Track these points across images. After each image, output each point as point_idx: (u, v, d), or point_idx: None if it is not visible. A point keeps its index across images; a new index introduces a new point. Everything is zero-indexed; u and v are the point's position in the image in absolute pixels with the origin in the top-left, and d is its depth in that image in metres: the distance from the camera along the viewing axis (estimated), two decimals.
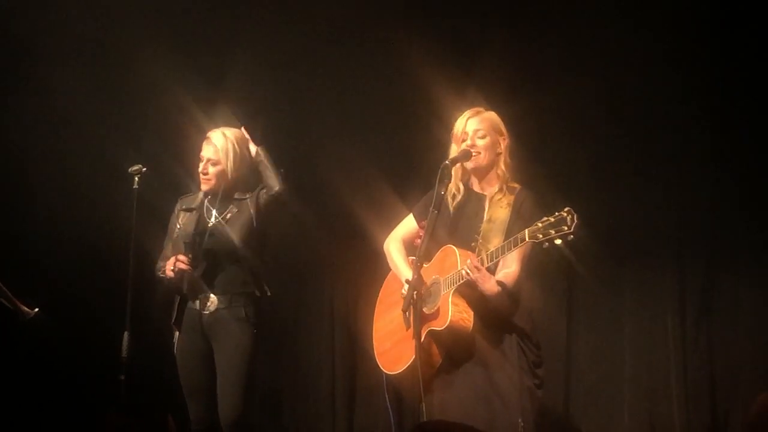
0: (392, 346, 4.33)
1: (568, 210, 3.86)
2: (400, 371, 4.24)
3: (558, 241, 3.86)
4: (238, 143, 4.80)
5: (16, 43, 5.75)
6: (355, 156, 5.91)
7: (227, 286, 4.73)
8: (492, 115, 4.34)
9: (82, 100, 5.79)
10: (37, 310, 4.63)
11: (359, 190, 5.77)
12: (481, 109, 4.37)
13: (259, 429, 5.09)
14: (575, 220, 3.83)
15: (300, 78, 5.98)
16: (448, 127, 4.41)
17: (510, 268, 4.14)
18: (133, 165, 4.84)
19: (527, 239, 3.93)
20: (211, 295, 4.74)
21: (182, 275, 4.66)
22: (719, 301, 5.38)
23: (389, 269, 4.54)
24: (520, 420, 4.05)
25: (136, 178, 4.81)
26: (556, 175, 5.43)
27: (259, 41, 5.95)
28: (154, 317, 4.93)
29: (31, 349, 5.46)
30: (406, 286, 4.17)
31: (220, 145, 4.77)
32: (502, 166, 4.29)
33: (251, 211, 4.75)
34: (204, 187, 4.82)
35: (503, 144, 4.30)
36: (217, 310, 4.72)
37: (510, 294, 4.13)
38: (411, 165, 5.77)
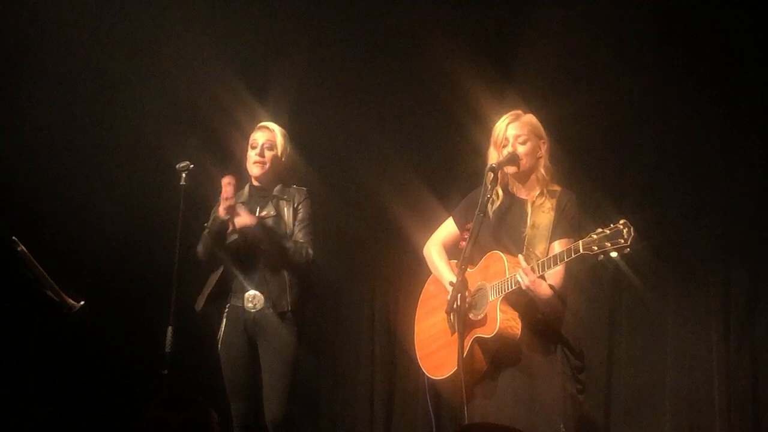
0: (436, 351, 4.31)
1: (625, 222, 3.81)
2: (444, 377, 4.22)
3: (614, 254, 3.81)
4: (285, 135, 4.94)
5: (72, 40, 5.82)
6: (395, 159, 5.92)
7: (266, 284, 4.75)
8: (531, 119, 4.31)
9: (133, 97, 5.85)
10: (82, 303, 4.68)
11: (399, 193, 5.78)
12: (519, 112, 4.34)
13: (299, 431, 5.09)
14: (632, 233, 3.79)
15: (341, 82, 5.99)
16: (487, 131, 4.40)
17: (554, 269, 4.11)
18: (180, 161, 4.89)
19: (581, 251, 3.88)
20: (257, 293, 4.76)
21: (233, 209, 4.66)
22: (764, 312, 5.30)
23: (429, 273, 4.54)
24: (561, 426, 4.03)
25: (183, 175, 4.85)
26: (601, 178, 5.41)
27: (302, 46, 5.97)
28: (197, 313, 4.94)
29: (76, 342, 5.52)
30: (451, 289, 4.15)
31: (276, 131, 4.90)
32: (542, 170, 4.26)
33: (287, 223, 4.81)
34: (257, 171, 4.88)
35: (543, 148, 4.28)
36: (263, 309, 4.75)
37: (560, 296, 4.11)
38: (450, 168, 5.76)
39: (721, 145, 5.43)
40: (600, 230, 3.86)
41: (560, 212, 4.17)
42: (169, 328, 4.70)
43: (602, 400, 5.45)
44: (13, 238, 4.58)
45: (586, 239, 3.87)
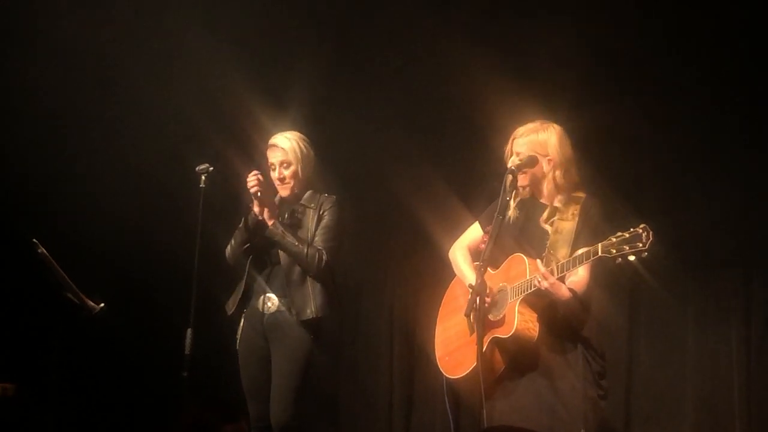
0: (454, 351, 4.33)
1: (644, 227, 3.83)
2: (461, 376, 4.23)
3: (632, 258, 3.83)
4: (301, 141, 4.88)
5: (88, 41, 5.85)
6: (420, 162, 5.92)
7: (287, 288, 4.76)
8: (535, 137, 4.26)
9: (153, 98, 5.87)
10: (102, 305, 4.70)
11: (423, 196, 5.77)
12: (532, 125, 4.32)
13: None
14: (650, 237, 3.80)
15: (364, 85, 6.00)
16: (509, 138, 4.41)
17: (578, 275, 4.12)
18: (200, 164, 4.90)
19: (600, 254, 3.89)
20: (272, 296, 4.78)
21: (264, 191, 4.68)
22: None
23: (453, 275, 4.54)
24: (582, 430, 4.03)
25: (203, 177, 4.86)
26: (623, 184, 5.39)
27: (323, 50, 5.98)
28: (218, 315, 4.96)
29: (96, 344, 5.54)
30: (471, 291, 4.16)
31: (287, 147, 4.85)
32: (554, 184, 4.24)
33: (309, 230, 4.81)
34: (284, 193, 4.88)
35: (547, 165, 4.24)
36: (277, 311, 4.76)
37: (581, 301, 4.10)
38: (476, 173, 5.75)
39: (741, 150, 5.40)
40: (620, 234, 3.88)
41: (584, 219, 4.17)
42: (189, 330, 4.71)
43: (622, 406, 5.43)
44: (34, 240, 4.61)
45: (605, 242, 3.90)
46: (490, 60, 5.62)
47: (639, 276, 5.32)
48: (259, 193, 4.70)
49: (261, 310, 4.78)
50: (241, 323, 4.87)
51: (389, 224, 6.10)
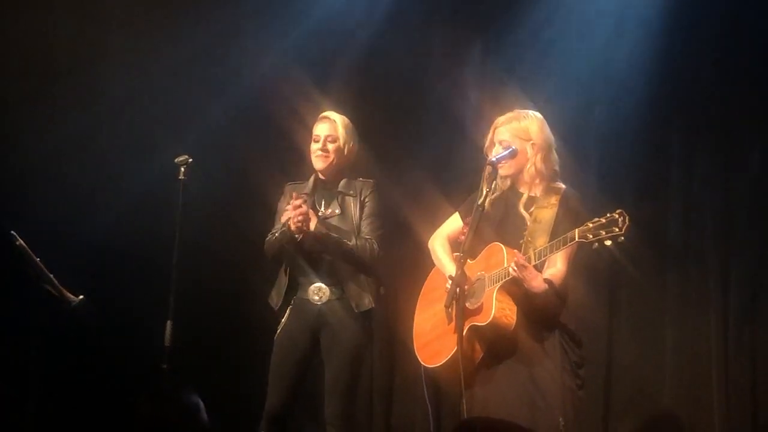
0: (433, 340, 4.33)
1: (620, 212, 3.86)
2: (439, 365, 4.24)
3: (608, 243, 3.85)
4: (350, 124, 4.84)
5: (61, 34, 5.82)
6: (402, 155, 5.92)
7: (335, 278, 4.72)
8: (517, 124, 4.29)
9: (129, 90, 5.84)
10: (81, 297, 4.69)
11: (404, 187, 5.77)
12: (512, 114, 4.34)
13: (296, 421, 5.09)
14: (627, 222, 3.82)
15: (347, 78, 5.97)
16: (489, 128, 4.41)
17: (556, 267, 4.14)
18: (179, 155, 4.87)
19: (577, 239, 3.92)
20: (322, 285, 4.73)
21: (306, 223, 4.59)
22: (763, 305, 5.31)
23: (432, 266, 4.55)
24: (561, 419, 4.05)
25: (182, 169, 4.82)
26: (603, 176, 5.42)
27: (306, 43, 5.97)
28: (198, 306, 4.95)
29: (75, 336, 5.52)
30: (450, 282, 4.17)
31: (339, 121, 4.80)
32: (536, 169, 4.26)
33: (354, 219, 4.74)
34: (321, 164, 4.77)
35: (531, 149, 4.27)
36: (329, 300, 4.73)
37: (557, 293, 4.13)
38: (455, 163, 5.76)
39: (719, 138, 5.45)
40: (596, 219, 3.91)
41: (564, 210, 4.19)
42: (169, 323, 4.69)
43: (601, 395, 5.46)
44: (12, 232, 4.59)
45: (582, 228, 3.93)
46: (470, 47, 5.65)
47: (618, 267, 5.36)
48: (303, 228, 4.60)
49: (310, 300, 4.74)
50: (287, 314, 4.78)
51: None
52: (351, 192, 4.78)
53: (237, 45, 5.91)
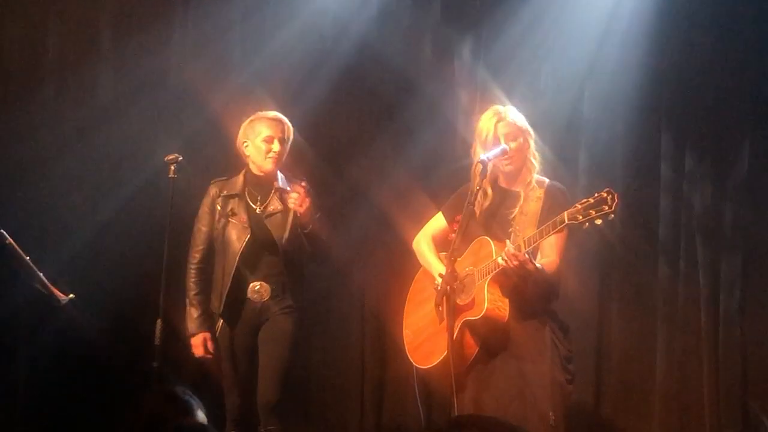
0: (425, 341, 4.34)
1: (608, 190, 3.86)
2: (432, 365, 4.25)
3: (598, 221, 3.84)
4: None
5: (50, 33, 5.81)
6: (385, 154, 5.91)
7: (271, 275, 4.75)
8: (516, 115, 4.34)
9: (119, 89, 5.83)
10: (71, 296, 4.68)
11: (389, 188, 5.77)
12: (501, 108, 4.37)
13: (288, 421, 5.09)
14: (615, 200, 3.82)
15: (329, 76, 5.97)
16: (472, 126, 4.43)
17: (549, 257, 4.14)
18: (169, 153, 4.86)
19: (566, 221, 3.91)
20: (262, 283, 4.76)
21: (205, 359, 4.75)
22: (754, 298, 5.34)
23: (419, 267, 4.55)
24: (551, 413, 4.06)
25: (172, 167, 4.80)
26: (592, 174, 5.43)
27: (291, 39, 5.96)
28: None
29: (65, 335, 5.50)
30: (440, 280, 4.16)
31: (287, 124, 4.83)
32: (531, 162, 4.31)
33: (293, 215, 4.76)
34: (270, 166, 4.78)
35: (530, 141, 4.31)
36: (269, 298, 4.76)
37: (549, 281, 4.12)
38: (439, 164, 5.76)
39: (709, 135, 5.46)
40: (584, 200, 3.91)
41: (551, 202, 4.20)
42: (159, 321, 4.68)
43: (592, 389, 5.47)
44: (1, 231, 4.57)
45: (571, 210, 3.93)
46: (452, 46, 5.66)
47: (610, 260, 5.38)
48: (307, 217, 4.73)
49: (253, 299, 4.77)
50: (228, 316, 4.82)
51: (358, 214, 6.08)
52: (289, 188, 4.78)
53: (228, 43, 5.90)
